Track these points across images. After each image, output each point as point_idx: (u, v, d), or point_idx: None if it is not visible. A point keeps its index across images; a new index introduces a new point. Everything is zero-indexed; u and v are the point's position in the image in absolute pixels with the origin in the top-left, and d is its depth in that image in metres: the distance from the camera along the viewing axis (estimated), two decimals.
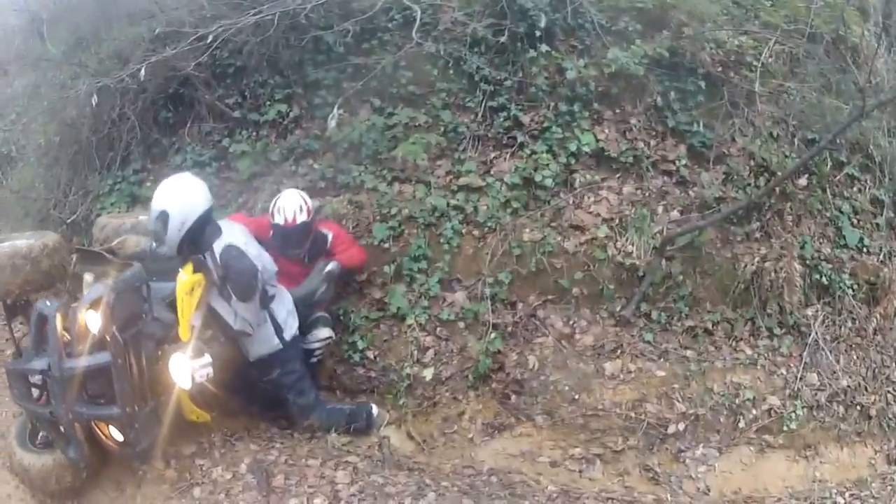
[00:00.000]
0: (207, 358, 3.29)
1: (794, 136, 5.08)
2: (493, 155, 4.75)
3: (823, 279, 4.72)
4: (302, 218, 4.07)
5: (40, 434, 3.57)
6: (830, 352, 4.61)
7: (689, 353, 4.43)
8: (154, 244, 3.45)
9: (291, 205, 4.07)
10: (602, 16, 4.94)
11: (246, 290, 3.40)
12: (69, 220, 5.23)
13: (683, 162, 4.81)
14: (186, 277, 3.34)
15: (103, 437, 3.39)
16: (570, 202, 4.62)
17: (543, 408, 4.21)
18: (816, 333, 4.60)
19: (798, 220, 4.88)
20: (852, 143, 5.20)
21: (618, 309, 4.46)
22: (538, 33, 4.81)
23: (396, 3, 4.86)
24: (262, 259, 3.58)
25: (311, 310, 4.15)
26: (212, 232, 3.41)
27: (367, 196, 4.59)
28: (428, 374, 4.28)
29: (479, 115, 4.79)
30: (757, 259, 4.57)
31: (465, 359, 4.30)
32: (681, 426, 4.19)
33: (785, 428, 4.30)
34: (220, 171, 4.89)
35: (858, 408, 4.51)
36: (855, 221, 5.06)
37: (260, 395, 4.03)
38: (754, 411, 4.30)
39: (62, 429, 3.34)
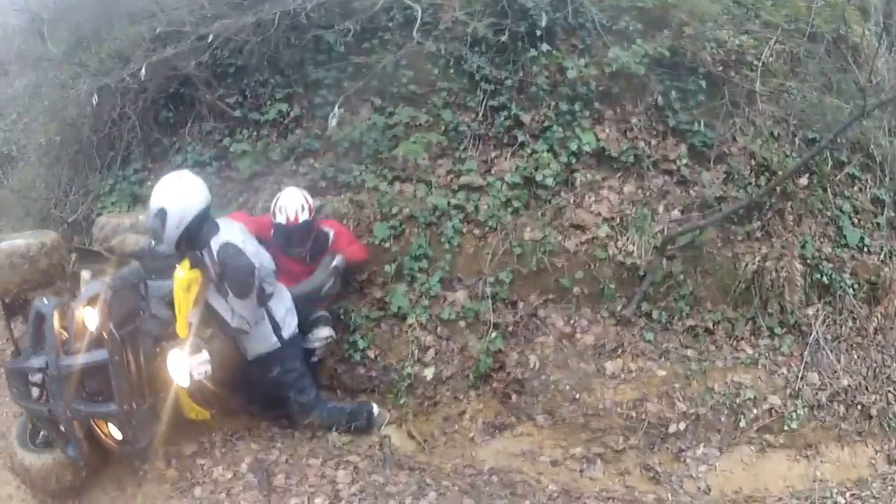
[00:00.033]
0: (205, 355, 3.30)
1: (795, 135, 5.08)
2: (493, 154, 4.75)
3: (824, 278, 4.71)
4: (304, 216, 4.08)
5: (41, 434, 3.57)
6: (831, 351, 4.60)
7: (689, 352, 4.43)
8: (152, 242, 3.46)
9: (293, 203, 4.07)
10: (603, 15, 4.94)
11: (243, 287, 3.41)
12: (70, 220, 5.23)
13: (684, 161, 4.81)
14: (183, 274, 3.35)
15: (103, 436, 3.39)
16: (571, 201, 4.62)
17: (544, 407, 4.22)
18: (817, 333, 4.60)
19: (799, 220, 4.88)
20: (853, 142, 5.20)
21: (619, 308, 4.46)
22: (539, 32, 4.82)
23: (397, 2, 4.87)
24: (259, 256, 3.58)
25: (318, 305, 4.15)
26: (209, 229, 3.42)
27: (368, 195, 4.59)
28: (429, 373, 4.28)
29: (480, 114, 4.79)
30: (758, 258, 4.57)
31: (466, 358, 4.30)
32: (681, 425, 4.19)
33: (786, 427, 4.29)
34: (221, 171, 4.89)
35: (859, 407, 4.50)
36: (856, 221, 5.06)
37: (260, 394, 4.03)
38: (755, 411, 4.30)
39: (62, 427, 3.34)
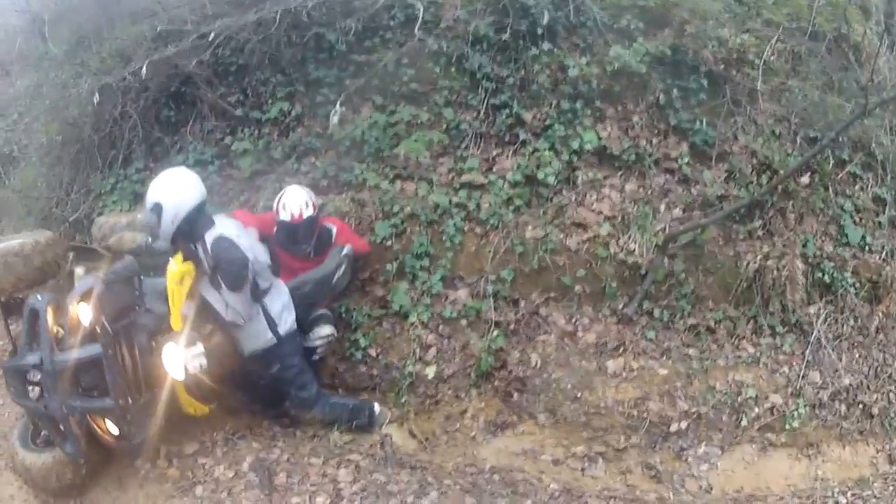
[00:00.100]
0: (200, 347, 3.31)
1: (797, 134, 5.07)
2: (495, 152, 4.75)
3: (826, 277, 4.71)
4: (308, 213, 4.09)
5: (42, 434, 3.57)
6: (833, 350, 4.60)
7: (691, 351, 4.44)
8: (150, 239, 3.50)
9: (297, 200, 4.08)
10: (604, 13, 4.94)
11: (236, 280, 3.42)
12: (71, 219, 5.22)
13: (686, 160, 4.81)
14: (176, 267, 3.37)
15: (100, 432, 3.39)
16: (573, 200, 4.62)
17: (546, 406, 4.22)
18: (819, 332, 4.60)
19: (800, 219, 4.88)
20: (854, 141, 5.19)
21: (620, 307, 4.46)
22: (540, 31, 4.82)
23: (398, 0, 4.86)
24: (253, 250, 3.60)
25: (320, 304, 4.16)
26: (204, 224, 3.46)
27: (370, 194, 4.59)
28: (430, 371, 4.28)
29: (482, 112, 4.79)
30: (759, 257, 4.57)
31: (468, 356, 4.30)
32: (683, 424, 4.19)
33: (787, 426, 4.29)
34: (223, 170, 4.89)
35: (860, 406, 4.50)
36: (857, 220, 5.05)
37: (261, 393, 4.03)
38: (756, 409, 4.30)
39: (60, 425, 3.34)
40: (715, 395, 4.29)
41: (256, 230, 4.02)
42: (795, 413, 4.32)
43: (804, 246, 4.73)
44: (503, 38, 4.78)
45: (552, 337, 4.37)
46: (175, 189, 3.39)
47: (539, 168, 4.59)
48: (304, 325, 4.01)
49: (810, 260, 4.71)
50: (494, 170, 4.68)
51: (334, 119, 4.60)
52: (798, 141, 5.06)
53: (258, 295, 3.65)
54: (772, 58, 5.11)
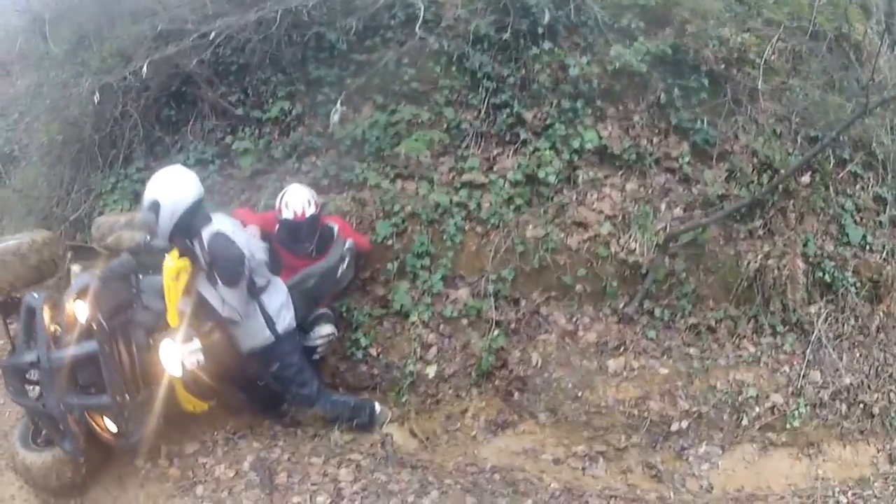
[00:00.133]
0: (197, 343, 3.31)
1: (797, 133, 5.07)
2: (495, 152, 4.74)
3: (826, 277, 4.71)
4: (311, 211, 4.09)
5: (42, 433, 3.57)
6: (833, 349, 4.60)
7: (692, 350, 4.44)
8: (148, 238, 3.50)
9: (299, 199, 4.08)
10: (605, 13, 4.94)
11: (232, 276, 3.43)
12: (72, 218, 5.22)
13: (686, 159, 4.81)
14: (172, 263, 3.39)
15: (99, 429, 3.39)
16: (574, 199, 4.62)
17: (546, 405, 4.22)
18: (819, 331, 4.60)
19: (801, 218, 4.88)
20: (855, 140, 5.19)
21: (621, 306, 4.46)
22: (541, 30, 4.82)
23: None
24: (250, 247, 3.61)
25: (332, 295, 4.17)
26: (201, 220, 3.46)
27: (371, 193, 4.59)
28: (431, 371, 4.28)
29: (482, 111, 4.78)
30: (760, 256, 4.57)
31: (468, 356, 4.30)
32: (684, 424, 4.19)
33: (788, 426, 4.29)
34: (223, 169, 4.89)
35: (861, 406, 4.50)
36: (858, 219, 5.05)
37: (261, 394, 4.02)
38: (757, 409, 4.30)
39: (59, 423, 3.34)
40: (716, 394, 4.29)
41: (258, 229, 4.03)
42: (796, 412, 4.32)
43: (805, 245, 4.73)
44: (504, 38, 4.77)
45: (553, 336, 4.36)
46: (172, 187, 3.40)
47: (540, 167, 4.59)
48: (305, 324, 4.01)
49: (811, 259, 4.71)
50: (495, 169, 4.68)
51: (335, 118, 4.60)
52: (799, 140, 5.06)
53: (255, 292, 3.65)
54: (772, 57, 5.11)
